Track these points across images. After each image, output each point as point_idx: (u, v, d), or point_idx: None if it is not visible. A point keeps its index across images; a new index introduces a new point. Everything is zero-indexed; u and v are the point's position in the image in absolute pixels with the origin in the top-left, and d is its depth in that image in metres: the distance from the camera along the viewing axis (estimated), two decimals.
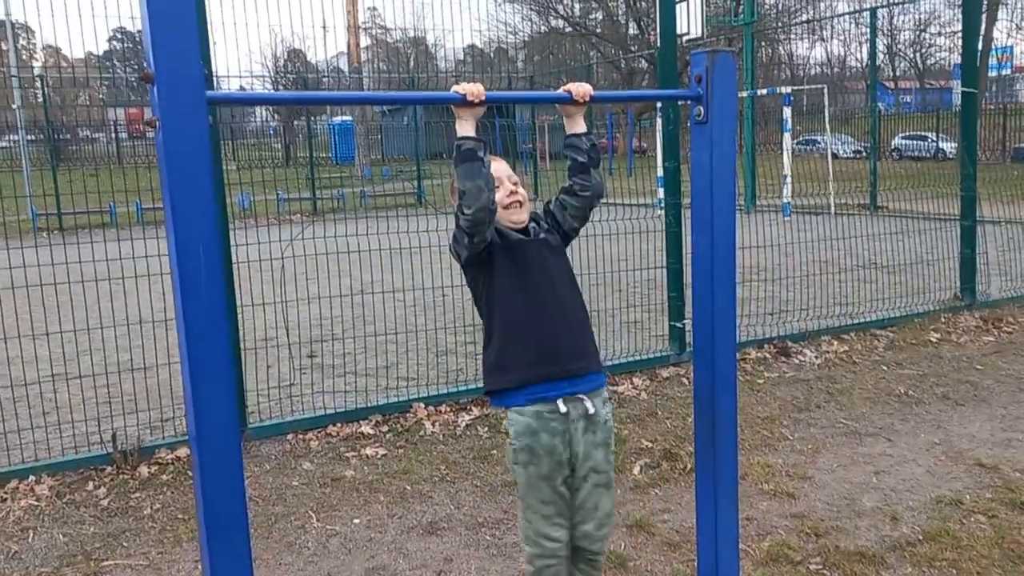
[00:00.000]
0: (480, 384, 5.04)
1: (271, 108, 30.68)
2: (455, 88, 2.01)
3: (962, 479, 3.78)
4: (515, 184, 2.35)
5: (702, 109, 2.14)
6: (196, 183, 1.59)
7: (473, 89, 1.99)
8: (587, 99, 2.14)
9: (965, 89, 6.96)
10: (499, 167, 2.36)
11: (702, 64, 2.12)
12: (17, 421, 4.58)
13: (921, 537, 3.23)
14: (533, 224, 2.41)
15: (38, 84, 17.65)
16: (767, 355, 5.78)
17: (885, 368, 5.51)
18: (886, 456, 4.08)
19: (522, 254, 2.27)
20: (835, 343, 6.04)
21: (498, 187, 2.28)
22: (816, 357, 5.75)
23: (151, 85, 1.55)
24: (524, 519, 2.29)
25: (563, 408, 2.21)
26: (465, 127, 2.12)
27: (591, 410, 2.24)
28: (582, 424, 2.23)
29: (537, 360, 2.21)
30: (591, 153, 2.34)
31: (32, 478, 4.01)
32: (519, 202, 2.34)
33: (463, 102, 2.00)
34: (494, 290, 2.27)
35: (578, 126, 2.32)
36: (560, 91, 2.15)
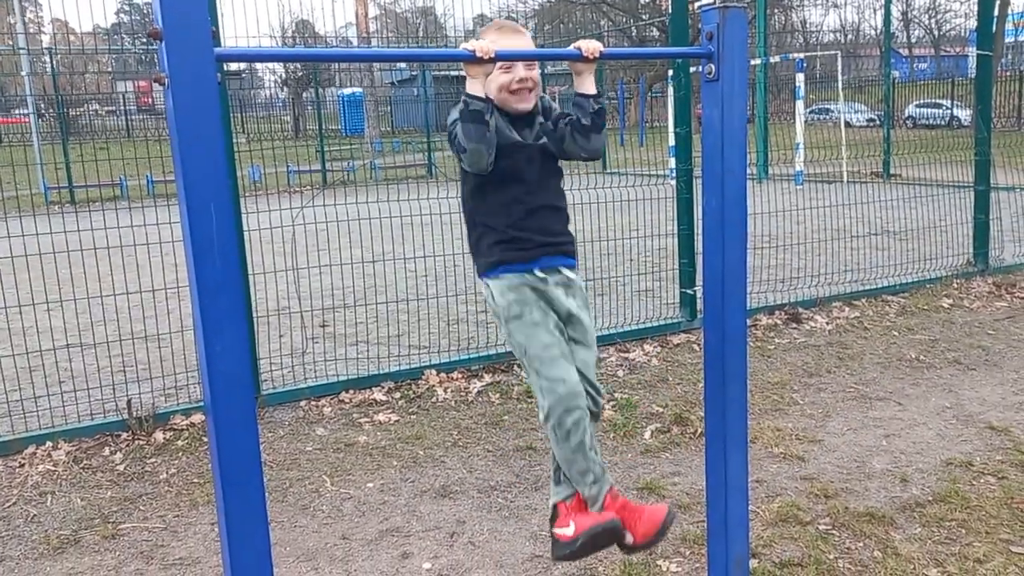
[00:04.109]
0: (491, 351, 5.10)
1: (279, 80, 30.61)
2: (464, 45, 2.00)
3: (972, 442, 3.79)
4: (529, 68, 2.32)
5: (713, 67, 2.12)
6: (206, 141, 1.59)
7: (482, 46, 1.98)
8: (596, 55, 2.12)
9: (981, 52, 6.86)
10: (516, 43, 2.33)
11: (713, 21, 2.10)
12: (33, 389, 4.64)
13: (931, 498, 3.25)
14: (540, 117, 2.39)
15: (46, 58, 17.66)
16: (778, 321, 5.77)
17: (896, 333, 5.50)
18: (896, 420, 4.09)
19: (513, 155, 2.31)
20: (846, 309, 6.03)
21: (509, 69, 2.28)
22: (827, 323, 5.74)
23: (159, 42, 1.54)
24: (533, 372, 2.30)
25: (541, 275, 2.33)
26: (475, 87, 2.11)
27: (569, 276, 2.37)
28: (561, 289, 2.35)
29: (513, 247, 2.32)
30: (596, 117, 2.30)
31: (49, 444, 4.07)
32: (529, 89, 2.32)
33: (473, 59, 1.99)
34: (480, 183, 2.33)
35: (588, 87, 2.29)
36: (570, 48, 2.14)
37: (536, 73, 2.34)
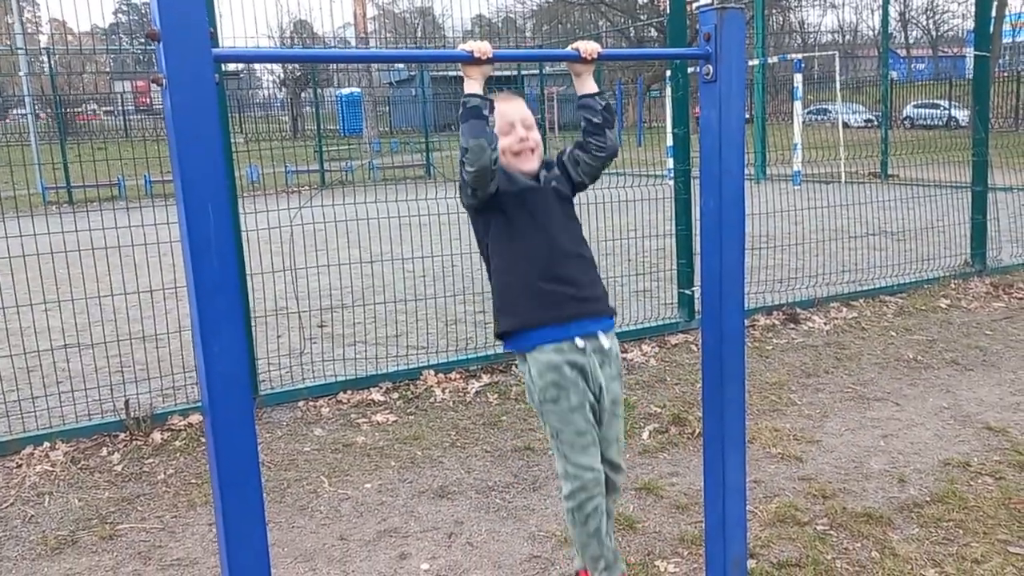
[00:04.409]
0: (489, 351, 5.09)
1: (277, 80, 30.60)
2: (462, 46, 2.00)
3: (970, 442, 3.79)
4: (528, 129, 2.30)
5: (711, 67, 2.12)
6: (204, 141, 1.59)
7: (480, 46, 1.98)
8: (595, 56, 2.12)
9: (978, 53, 6.87)
10: (513, 108, 2.32)
11: (711, 22, 2.10)
12: (31, 389, 4.63)
13: (928, 498, 3.25)
14: (543, 171, 2.36)
15: (44, 58, 17.65)
16: (776, 322, 5.78)
17: (894, 334, 5.51)
18: (894, 420, 4.09)
19: (529, 200, 2.27)
20: (844, 309, 6.03)
21: (509, 133, 2.27)
22: (825, 323, 5.74)
23: (157, 43, 1.54)
24: (561, 455, 2.29)
25: (580, 344, 2.25)
26: (473, 86, 2.11)
27: (606, 345, 2.30)
28: (597, 358, 2.29)
29: (544, 303, 2.24)
30: (605, 113, 2.31)
31: (47, 444, 4.06)
32: (531, 149, 2.30)
33: (470, 59, 1.99)
34: (499, 235, 2.27)
35: (589, 86, 2.30)
36: (568, 49, 2.14)
37: (536, 134, 2.32)
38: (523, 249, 2.26)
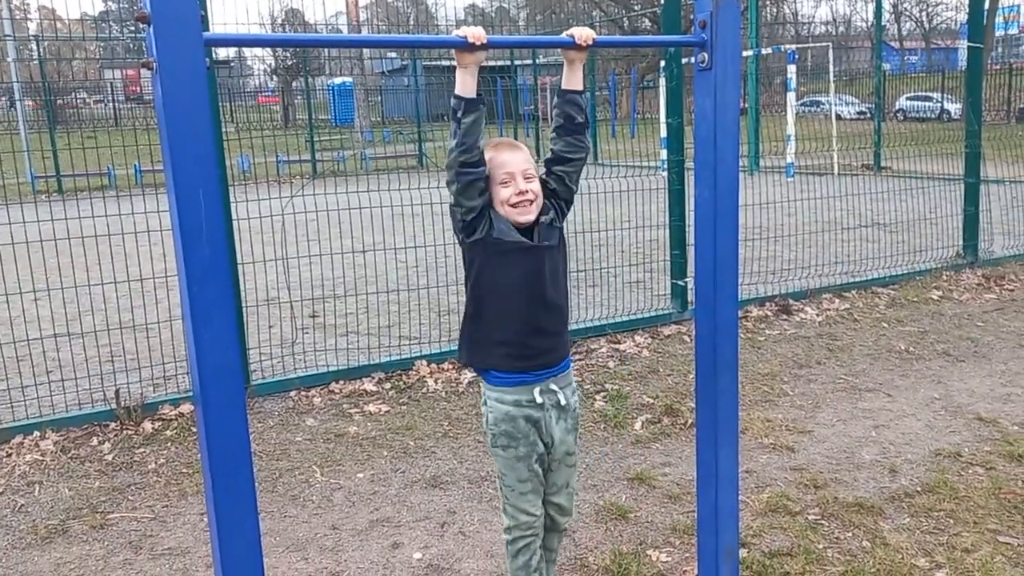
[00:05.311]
0: None
1: (269, 69, 30.45)
2: (456, 32, 1.98)
3: (961, 433, 3.80)
4: (528, 180, 2.23)
5: (706, 55, 2.11)
6: (194, 126, 1.57)
7: (474, 31, 1.96)
8: (589, 43, 2.10)
9: (971, 44, 6.88)
10: (515, 159, 2.25)
11: (706, 9, 2.09)
12: (20, 378, 4.60)
13: (919, 488, 3.26)
14: (543, 218, 2.29)
15: (33, 46, 17.51)
16: (768, 313, 5.78)
17: (886, 325, 5.52)
18: (885, 411, 4.10)
19: (521, 260, 2.24)
20: (836, 301, 6.04)
21: (508, 183, 2.22)
22: (817, 315, 5.75)
23: (147, 26, 1.52)
24: (503, 494, 2.41)
25: (539, 399, 2.31)
26: (463, 77, 2.08)
27: (563, 401, 2.35)
28: (555, 413, 2.35)
29: (518, 354, 2.27)
30: (586, 112, 2.33)
31: (37, 433, 4.04)
32: (529, 201, 2.24)
33: (465, 45, 1.97)
34: (488, 281, 2.26)
35: (578, 81, 2.28)
36: (563, 35, 2.12)
37: (537, 185, 2.26)
38: (508, 304, 2.25)
